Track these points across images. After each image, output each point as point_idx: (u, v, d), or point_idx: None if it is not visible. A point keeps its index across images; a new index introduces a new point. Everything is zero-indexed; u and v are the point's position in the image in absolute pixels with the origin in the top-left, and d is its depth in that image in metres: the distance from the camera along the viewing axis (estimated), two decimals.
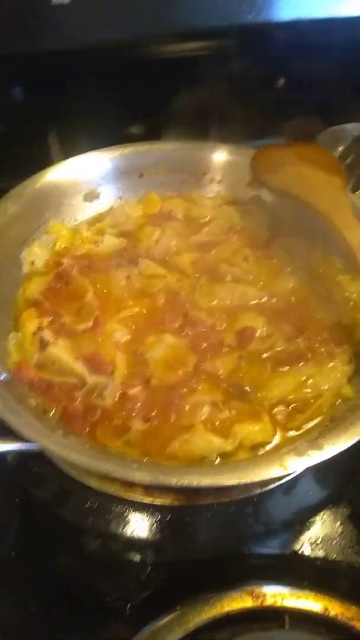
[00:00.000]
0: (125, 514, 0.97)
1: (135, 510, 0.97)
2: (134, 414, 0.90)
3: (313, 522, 0.96)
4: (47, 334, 1.00)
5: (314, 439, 0.84)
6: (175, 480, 0.72)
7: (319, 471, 1.01)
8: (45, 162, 1.24)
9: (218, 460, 0.85)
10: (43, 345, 0.99)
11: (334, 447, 0.77)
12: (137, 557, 0.93)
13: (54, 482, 1.01)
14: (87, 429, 0.89)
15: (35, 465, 1.02)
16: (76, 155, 1.26)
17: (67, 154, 1.26)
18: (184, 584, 0.89)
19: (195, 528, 0.95)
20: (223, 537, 0.95)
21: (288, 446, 0.84)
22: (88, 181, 1.27)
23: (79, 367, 0.96)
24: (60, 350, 0.98)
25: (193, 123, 1.42)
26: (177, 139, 1.36)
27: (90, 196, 1.29)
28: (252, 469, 0.75)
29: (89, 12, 1.27)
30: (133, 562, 0.93)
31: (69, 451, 0.78)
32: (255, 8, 1.37)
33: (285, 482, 0.96)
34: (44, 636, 0.87)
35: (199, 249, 1.20)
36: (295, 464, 0.75)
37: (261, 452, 0.86)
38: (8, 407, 0.84)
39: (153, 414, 0.90)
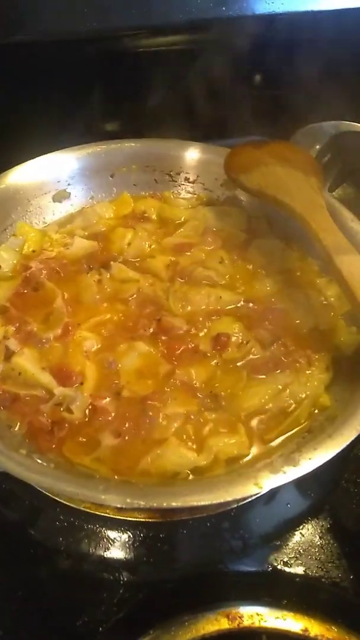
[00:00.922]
0: (97, 532, 0.93)
1: (107, 527, 0.93)
2: (104, 429, 0.86)
3: (292, 536, 0.92)
4: (12, 343, 0.95)
5: (290, 452, 0.80)
6: (144, 502, 0.68)
7: (299, 482, 0.97)
8: (9, 161, 1.18)
9: (191, 476, 0.81)
10: (8, 355, 0.94)
11: (310, 462, 0.74)
12: (110, 577, 0.89)
13: (24, 500, 0.96)
14: (54, 445, 0.85)
15: (3, 481, 0.98)
16: (43, 154, 1.21)
17: (34, 152, 1.21)
18: (159, 605, 0.85)
19: (170, 545, 0.91)
20: (199, 555, 0.91)
21: (264, 460, 0.81)
22: (56, 181, 1.22)
23: (46, 379, 0.91)
24: (26, 361, 0.93)
25: (167, 120, 1.38)
26: (150, 137, 1.32)
27: (60, 196, 1.24)
28: (226, 488, 0.71)
29: (60, 3, 1.22)
30: (106, 583, 0.88)
31: (30, 474, 0.73)
32: (229, 1, 1.34)
33: (264, 494, 0.93)
34: None
35: (174, 251, 1.16)
36: (270, 482, 0.72)
37: (236, 466, 0.83)
38: None
39: (124, 427, 0.86)
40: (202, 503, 0.69)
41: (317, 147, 1.46)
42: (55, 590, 0.89)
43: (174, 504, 0.68)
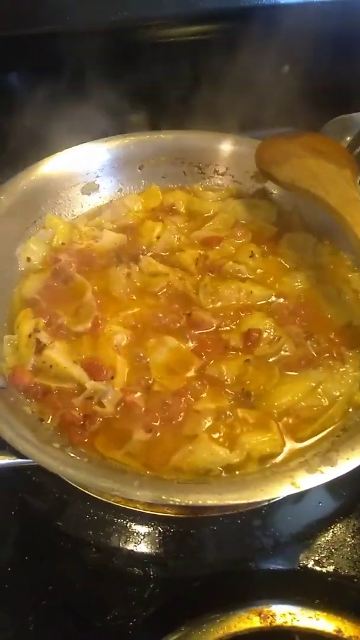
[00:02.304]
0: (126, 526, 0.92)
1: (137, 522, 0.92)
2: (135, 423, 0.85)
3: (324, 535, 0.91)
4: (44, 336, 0.95)
5: (325, 450, 0.79)
6: (179, 499, 0.67)
7: (331, 481, 0.96)
8: (40, 153, 1.18)
9: (223, 473, 0.80)
10: (39, 348, 0.93)
11: (348, 462, 0.73)
12: (139, 572, 0.89)
13: (53, 492, 0.96)
14: (86, 438, 0.84)
15: (33, 474, 0.98)
16: (73, 146, 1.20)
17: (63, 145, 1.20)
18: (189, 602, 0.85)
19: (200, 542, 0.90)
20: (229, 552, 0.90)
21: (298, 459, 0.80)
22: (85, 173, 1.22)
23: (77, 372, 0.91)
24: (58, 354, 0.93)
25: (195, 112, 1.36)
26: (179, 129, 1.30)
27: (89, 189, 1.24)
28: (262, 487, 0.70)
29: None
30: (135, 578, 0.88)
31: (65, 467, 0.73)
32: None
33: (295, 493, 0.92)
34: None
35: (203, 245, 1.15)
36: (307, 482, 0.71)
37: (269, 464, 0.82)
38: (2, 419, 0.79)
39: (155, 423, 0.85)
40: (238, 501, 0.68)
41: (348, 138, 1.43)
42: (84, 585, 0.89)
43: (209, 502, 0.68)
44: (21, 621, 0.85)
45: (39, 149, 1.19)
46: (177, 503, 0.67)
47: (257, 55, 1.41)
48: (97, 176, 1.24)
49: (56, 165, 1.18)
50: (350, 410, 0.88)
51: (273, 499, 0.85)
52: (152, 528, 0.92)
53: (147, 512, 0.91)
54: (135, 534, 0.92)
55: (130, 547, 0.91)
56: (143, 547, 0.91)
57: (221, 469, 0.81)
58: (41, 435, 0.83)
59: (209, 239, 1.15)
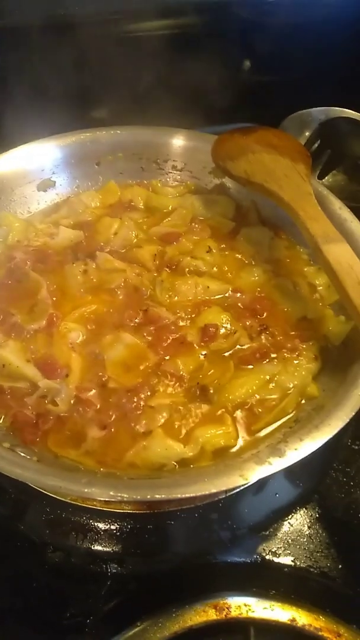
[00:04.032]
0: (84, 524, 0.92)
1: (94, 519, 0.92)
2: (89, 421, 0.84)
3: (281, 526, 0.92)
4: None
5: (277, 442, 0.80)
6: (128, 495, 0.67)
7: (288, 472, 0.97)
8: None
9: (177, 468, 0.81)
10: None
11: (296, 452, 0.73)
12: (97, 569, 0.89)
13: (10, 493, 0.95)
14: (39, 438, 0.84)
15: None
16: (27, 142, 1.18)
17: (17, 141, 1.18)
18: (147, 597, 0.85)
19: (158, 537, 0.90)
20: (188, 546, 0.91)
21: (250, 451, 0.80)
22: (40, 170, 1.20)
23: (31, 371, 0.90)
24: (10, 353, 0.92)
25: (154, 107, 1.35)
26: (137, 124, 1.30)
27: (44, 185, 1.22)
28: (211, 479, 0.70)
29: None
30: (94, 575, 0.88)
31: (12, 467, 0.72)
32: None
33: (252, 484, 0.92)
34: None
35: (161, 240, 1.14)
36: (255, 474, 0.71)
37: (223, 457, 0.82)
38: None
39: (110, 420, 0.85)
40: (187, 495, 0.68)
41: (307, 133, 1.45)
42: (43, 583, 0.89)
43: (157, 496, 0.68)
44: None
45: None
46: (125, 499, 0.67)
47: (218, 50, 1.42)
48: (53, 172, 1.22)
49: (9, 162, 1.16)
50: (303, 401, 0.89)
51: (225, 491, 0.85)
52: (109, 525, 0.91)
53: (104, 509, 0.90)
54: (93, 531, 0.91)
55: (89, 545, 0.91)
56: (101, 545, 0.90)
57: (175, 463, 0.82)
58: None
59: (167, 235, 1.15)
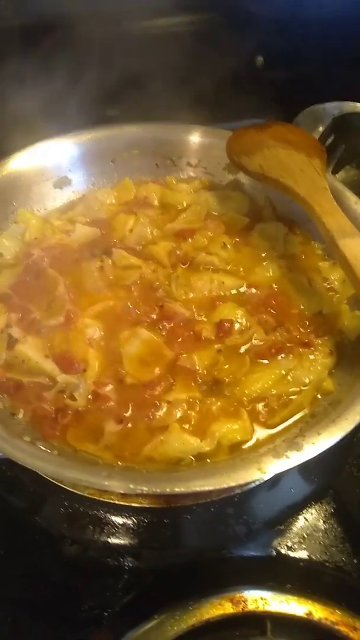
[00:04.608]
0: (102, 518, 0.93)
1: (111, 513, 0.93)
2: (106, 415, 0.85)
3: (296, 521, 0.93)
4: (16, 331, 0.95)
5: (294, 436, 0.80)
6: (147, 488, 0.68)
7: (303, 467, 0.96)
8: (8, 148, 1.17)
9: (194, 462, 0.81)
10: (11, 343, 0.94)
11: (314, 447, 0.74)
12: (114, 563, 0.90)
13: (28, 487, 0.97)
14: (58, 432, 0.85)
15: (8, 469, 0.98)
16: (43, 140, 1.19)
17: (34, 139, 1.20)
18: (163, 590, 0.86)
19: (174, 531, 0.91)
20: (203, 540, 0.91)
21: (267, 445, 0.81)
22: (56, 167, 1.21)
23: (49, 366, 0.91)
24: (29, 349, 0.93)
25: (168, 104, 1.36)
26: (152, 121, 1.30)
27: (61, 183, 1.23)
28: (228, 474, 0.70)
29: None
30: (110, 568, 0.89)
31: (34, 460, 0.73)
32: None
33: (267, 479, 0.92)
34: None
35: (176, 237, 1.14)
36: (273, 467, 0.71)
37: (240, 451, 0.82)
38: None
39: (127, 414, 0.86)
40: (205, 488, 0.69)
41: (320, 128, 1.44)
42: (60, 577, 0.90)
43: (176, 490, 0.68)
44: None
45: (8, 143, 1.18)
46: (144, 491, 0.68)
47: (231, 46, 1.42)
48: (69, 170, 1.23)
49: (26, 159, 1.17)
50: (319, 396, 0.89)
51: (242, 485, 0.85)
52: (126, 519, 0.92)
53: (121, 503, 0.91)
54: (110, 525, 0.92)
55: (106, 538, 0.92)
56: (118, 538, 0.91)
57: (192, 457, 0.82)
58: (12, 429, 0.83)
59: (182, 231, 1.15)
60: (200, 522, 0.92)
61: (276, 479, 0.95)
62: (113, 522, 0.93)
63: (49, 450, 0.80)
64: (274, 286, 1.05)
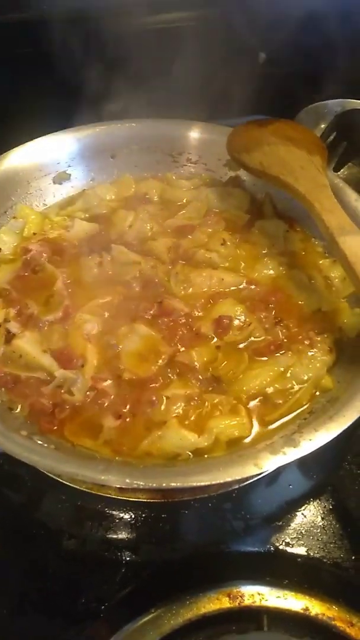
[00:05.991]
0: (100, 513, 0.93)
1: (110, 508, 0.93)
2: (104, 411, 0.86)
3: (294, 517, 0.93)
4: (13, 326, 0.95)
5: (292, 432, 0.80)
6: (143, 482, 0.68)
7: (302, 463, 0.97)
8: (7, 143, 1.17)
9: (192, 457, 0.81)
10: (9, 338, 0.94)
11: (310, 443, 0.74)
12: (112, 557, 0.90)
13: (26, 481, 0.97)
14: (55, 426, 0.85)
15: (6, 463, 0.98)
16: (43, 135, 1.19)
17: (33, 134, 1.19)
18: (161, 584, 0.86)
19: (172, 526, 0.91)
20: (201, 535, 0.91)
21: (264, 441, 0.81)
22: (56, 162, 1.21)
23: (47, 361, 0.91)
24: (27, 343, 0.93)
25: (169, 100, 1.35)
26: (152, 117, 1.30)
27: (60, 178, 1.23)
28: (225, 469, 0.71)
29: None
30: (108, 562, 0.89)
31: (30, 454, 0.73)
32: None
33: (265, 475, 0.93)
34: (18, 637, 0.84)
35: (175, 233, 1.14)
36: (269, 463, 0.71)
37: (237, 447, 0.83)
38: None
39: (125, 410, 0.86)
40: (201, 483, 0.69)
41: (322, 125, 1.44)
42: (58, 571, 0.90)
43: (173, 484, 0.68)
44: None
45: (7, 138, 1.18)
46: (140, 486, 0.68)
47: (233, 42, 1.41)
48: (69, 165, 1.23)
49: (26, 154, 1.17)
50: (317, 393, 0.89)
51: (239, 481, 0.85)
52: (124, 513, 0.93)
53: (119, 498, 0.91)
54: (107, 520, 0.93)
55: (103, 533, 0.92)
56: (116, 533, 0.92)
57: (190, 453, 0.82)
58: (10, 424, 0.83)
59: (182, 228, 1.15)
60: (198, 517, 0.92)
61: (274, 475, 0.95)
62: (111, 516, 0.93)
63: (46, 445, 0.80)
64: (274, 283, 1.05)
